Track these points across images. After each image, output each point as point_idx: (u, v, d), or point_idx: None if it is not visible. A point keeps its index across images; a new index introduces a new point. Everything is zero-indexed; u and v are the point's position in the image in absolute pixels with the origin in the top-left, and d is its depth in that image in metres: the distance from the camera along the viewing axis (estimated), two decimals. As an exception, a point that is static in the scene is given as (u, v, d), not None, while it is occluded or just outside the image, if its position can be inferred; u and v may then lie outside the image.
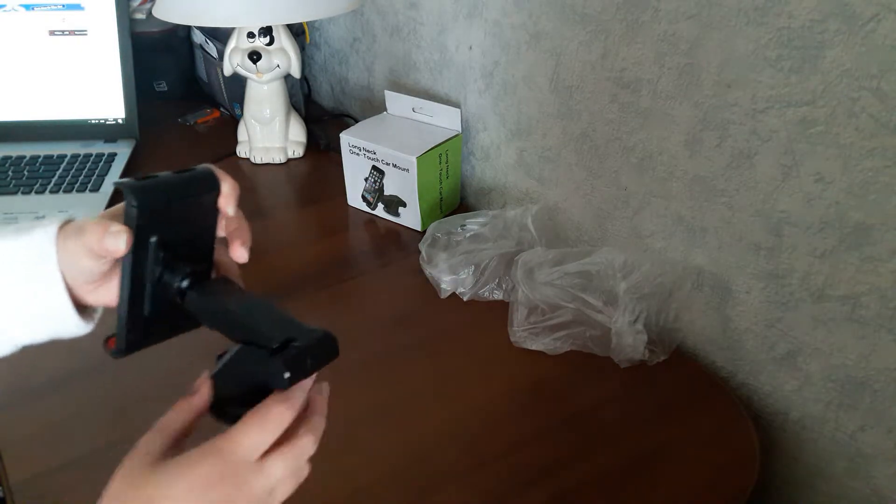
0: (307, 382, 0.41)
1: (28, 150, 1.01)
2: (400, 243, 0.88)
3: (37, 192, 0.93)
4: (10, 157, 0.99)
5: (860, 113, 0.52)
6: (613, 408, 0.64)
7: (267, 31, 0.97)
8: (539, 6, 0.76)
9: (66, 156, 1.00)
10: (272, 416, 0.39)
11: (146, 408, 0.63)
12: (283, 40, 0.99)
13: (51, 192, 0.93)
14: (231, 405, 0.42)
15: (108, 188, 0.94)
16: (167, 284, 0.44)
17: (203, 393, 0.43)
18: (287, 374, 0.39)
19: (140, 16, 1.17)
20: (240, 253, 0.47)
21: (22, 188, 0.94)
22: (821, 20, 0.52)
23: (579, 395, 0.65)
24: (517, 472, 0.57)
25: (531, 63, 0.80)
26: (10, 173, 0.97)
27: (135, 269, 0.43)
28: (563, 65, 0.76)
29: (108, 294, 0.45)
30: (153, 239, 0.43)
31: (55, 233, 0.43)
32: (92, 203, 0.91)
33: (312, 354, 0.40)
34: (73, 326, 0.46)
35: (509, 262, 0.74)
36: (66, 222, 0.44)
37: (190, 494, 0.37)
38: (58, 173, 0.96)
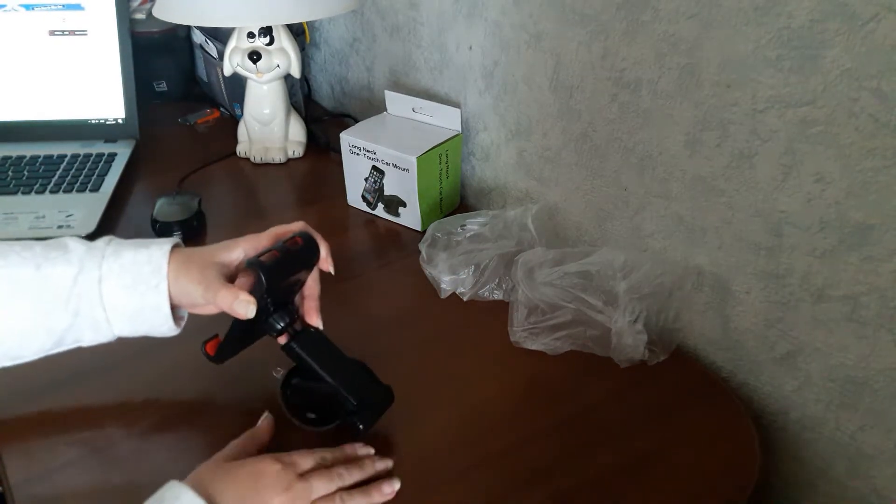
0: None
1: (28, 150, 1.01)
2: (400, 243, 0.88)
3: (37, 192, 0.93)
4: (10, 157, 0.99)
5: (860, 113, 0.52)
6: (613, 408, 0.64)
7: (267, 31, 0.97)
8: (539, 6, 0.76)
9: (66, 156, 1.00)
10: (318, 452, 0.55)
11: (146, 408, 0.64)
12: (283, 40, 0.99)
13: (51, 192, 0.93)
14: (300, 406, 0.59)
15: (107, 188, 0.94)
16: (270, 325, 0.58)
17: (265, 430, 0.58)
18: (361, 427, 0.57)
19: (140, 16, 1.17)
20: (317, 321, 0.62)
21: (22, 188, 0.94)
22: (821, 20, 0.52)
23: (579, 395, 0.65)
24: (517, 472, 0.57)
25: (531, 63, 0.80)
26: (10, 173, 0.96)
27: (251, 320, 0.55)
28: (563, 65, 0.76)
29: (204, 310, 0.58)
30: (269, 299, 0.56)
31: (168, 251, 0.56)
32: (92, 203, 0.91)
33: (379, 408, 0.59)
34: (166, 328, 0.57)
35: (509, 262, 0.74)
36: (177, 245, 0.57)
37: (251, 476, 0.51)
38: (58, 173, 0.96)
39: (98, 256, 0.54)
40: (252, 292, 0.55)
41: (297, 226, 0.61)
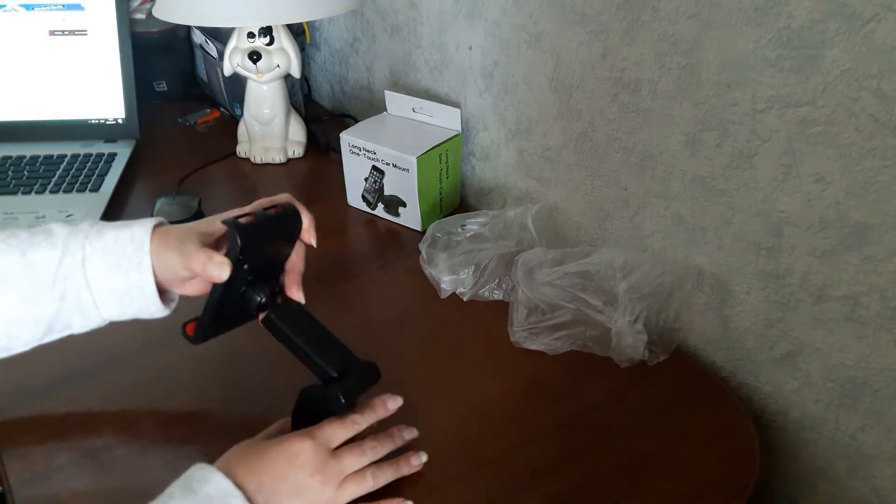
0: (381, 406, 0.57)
1: (28, 150, 1.01)
2: (400, 243, 0.88)
3: (37, 192, 0.93)
4: (10, 157, 0.99)
5: (860, 113, 0.52)
6: (613, 408, 0.64)
7: (267, 31, 0.97)
8: (539, 6, 0.76)
9: (66, 156, 1.00)
10: (347, 420, 0.54)
11: (145, 408, 0.63)
12: (283, 40, 0.99)
13: (51, 192, 0.93)
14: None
15: (107, 188, 0.94)
16: (249, 298, 0.56)
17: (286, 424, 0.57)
18: (343, 401, 0.53)
19: (140, 16, 1.17)
20: (298, 295, 0.59)
21: (22, 188, 0.94)
22: (821, 20, 0.52)
23: (579, 395, 0.65)
24: (517, 472, 0.57)
25: (531, 63, 0.80)
26: (10, 173, 0.96)
27: (226, 286, 0.53)
28: (563, 65, 0.76)
29: (191, 288, 0.57)
30: (245, 266, 0.54)
31: (150, 228, 0.54)
32: (92, 203, 0.91)
33: (361, 382, 0.55)
34: (154, 309, 0.56)
35: (509, 262, 0.74)
36: (160, 223, 0.56)
37: (281, 456, 0.50)
38: (58, 173, 0.96)
39: (81, 237, 0.54)
40: (227, 254, 0.53)
41: (282, 197, 0.60)
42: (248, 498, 0.47)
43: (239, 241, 0.52)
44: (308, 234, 0.59)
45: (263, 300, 0.56)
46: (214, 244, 0.56)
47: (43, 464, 0.57)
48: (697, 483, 0.57)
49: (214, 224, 0.57)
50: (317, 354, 0.55)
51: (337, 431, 0.53)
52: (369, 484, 0.53)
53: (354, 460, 0.52)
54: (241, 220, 0.53)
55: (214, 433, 0.58)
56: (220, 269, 0.52)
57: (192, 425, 0.61)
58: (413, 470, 0.55)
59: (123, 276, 0.53)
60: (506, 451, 0.59)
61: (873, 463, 0.59)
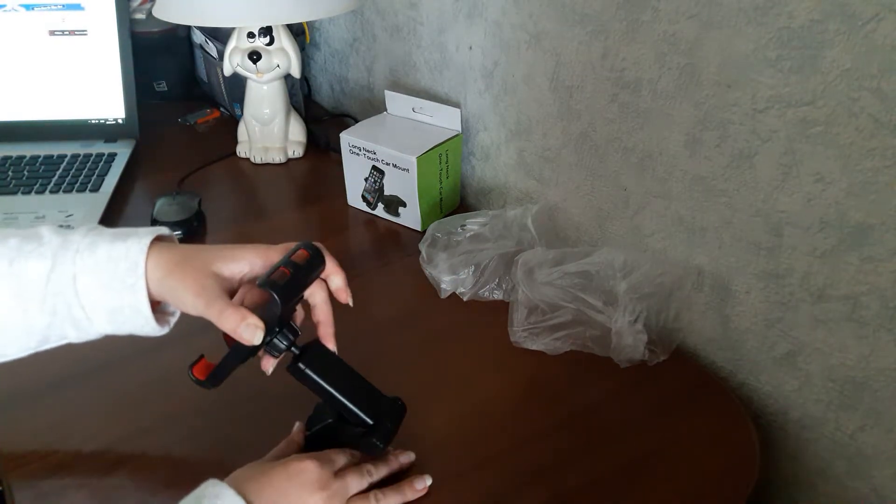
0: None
1: (28, 150, 1.01)
2: (400, 243, 0.88)
3: (37, 192, 0.93)
4: (10, 157, 0.99)
5: (860, 113, 0.52)
6: (613, 408, 0.64)
7: (267, 30, 0.97)
8: (539, 6, 0.76)
9: (66, 156, 1.00)
10: (350, 451, 0.56)
11: (144, 409, 0.63)
12: (283, 40, 0.99)
13: (51, 192, 0.93)
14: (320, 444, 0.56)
15: (107, 188, 0.94)
16: (273, 346, 0.53)
17: (298, 440, 0.58)
18: (381, 446, 0.54)
19: (140, 16, 1.17)
20: (332, 346, 0.57)
21: (22, 188, 0.94)
22: (821, 20, 0.52)
23: (579, 396, 0.65)
24: (517, 472, 0.57)
25: (531, 63, 0.80)
26: (10, 173, 0.96)
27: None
28: (563, 65, 0.76)
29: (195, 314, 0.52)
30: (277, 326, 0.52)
31: (146, 246, 0.50)
32: (92, 203, 0.91)
33: (393, 422, 0.56)
34: (150, 329, 0.52)
35: (509, 262, 0.74)
36: (159, 237, 0.52)
37: (284, 474, 0.51)
38: (58, 173, 0.96)
39: (72, 250, 0.50)
40: (262, 315, 0.49)
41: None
42: None
43: (280, 306, 0.49)
44: (343, 293, 0.56)
45: (286, 345, 0.53)
46: (236, 286, 0.53)
47: (43, 464, 0.57)
48: (697, 483, 0.57)
49: (238, 263, 0.52)
50: (351, 402, 0.54)
51: (341, 457, 0.54)
52: None
53: (357, 481, 0.53)
54: (276, 278, 0.50)
55: (213, 435, 0.58)
56: (254, 333, 0.48)
57: (192, 425, 0.61)
58: (417, 495, 0.55)
59: (116, 294, 0.49)
60: (506, 451, 0.59)
61: (873, 463, 0.59)
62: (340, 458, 0.54)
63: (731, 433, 0.62)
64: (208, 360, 0.51)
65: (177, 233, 0.86)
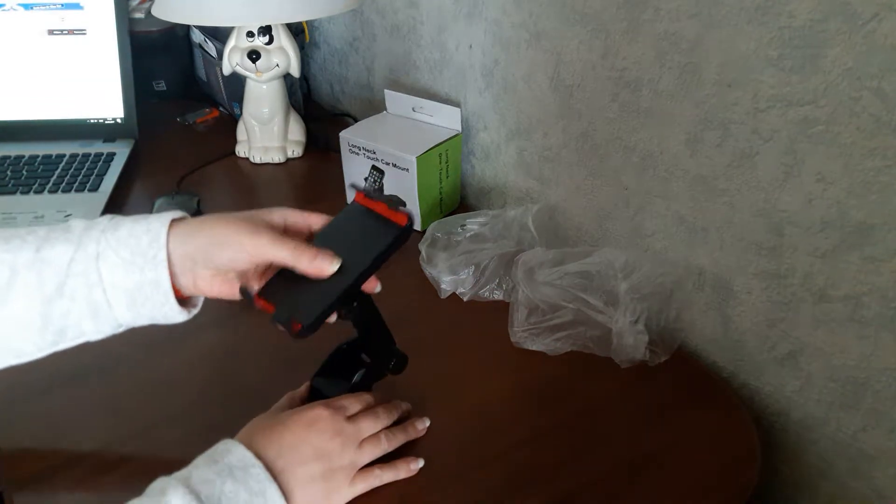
0: None
1: (27, 149, 1.01)
2: (400, 243, 0.88)
3: (36, 192, 0.93)
4: (10, 157, 0.99)
5: (861, 112, 0.52)
6: (614, 408, 0.64)
7: (266, 30, 0.97)
8: (539, 5, 0.76)
9: (64, 155, 1.00)
10: (362, 395, 0.58)
11: (145, 408, 0.63)
12: (283, 39, 0.98)
13: (49, 191, 0.93)
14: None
15: (106, 188, 0.94)
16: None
17: (300, 393, 0.60)
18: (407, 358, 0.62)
19: (139, 15, 1.17)
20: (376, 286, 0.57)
21: (21, 188, 0.94)
22: (822, 20, 0.52)
23: (579, 396, 0.65)
24: (517, 473, 0.57)
25: (531, 62, 0.80)
26: (9, 173, 0.96)
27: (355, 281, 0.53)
28: (563, 64, 0.76)
29: (222, 287, 0.52)
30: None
31: (169, 220, 0.51)
32: (91, 203, 0.91)
33: (398, 368, 0.61)
34: (169, 308, 0.51)
35: (509, 262, 0.74)
36: (183, 217, 0.52)
37: (300, 423, 0.53)
38: (57, 173, 0.96)
39: (97, 231, 0.50)
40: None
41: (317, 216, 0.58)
42: (269, 463, 0.49)
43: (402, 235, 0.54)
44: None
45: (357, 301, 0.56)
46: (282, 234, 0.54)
47: (43, 464, 0.57)
48: (698, 484, 0.57)
49: (275, 217, 0.54)
50: (377, 344, 0.60)
51: (352, 403, 0.56)
52: (384, 446, 0.56)
53: (371, 424, 0.55)
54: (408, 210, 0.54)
55: (214, 434, 0.58)
56: (332, 263, 0.51)
57: (192, 425, 0.61)
58: (419, 434, 0.59)
59: (138, 270, 0.49)
60: (506, 451, 0.59)
61: (875, 463, 0.59)
62: (354, 405, 0.56)
63: (732, 434, 0.62)
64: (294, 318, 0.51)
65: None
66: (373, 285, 0.55)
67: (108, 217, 0.53)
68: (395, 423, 0.59)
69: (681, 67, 0.63)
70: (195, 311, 0.55)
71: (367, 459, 0.54)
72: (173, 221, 0.51)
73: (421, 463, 0.57)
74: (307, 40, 1.23)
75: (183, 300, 0.53)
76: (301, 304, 0.51)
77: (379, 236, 0.53)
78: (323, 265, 0.51)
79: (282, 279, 0.53)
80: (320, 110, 1.29)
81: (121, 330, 0.52)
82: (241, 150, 1.08)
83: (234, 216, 0.52)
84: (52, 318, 0.50)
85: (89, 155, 1.00)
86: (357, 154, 0.89)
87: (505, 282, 0.75)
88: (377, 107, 1.02)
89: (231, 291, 0.53)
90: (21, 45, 1.03)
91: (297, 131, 1.08)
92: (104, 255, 0.49)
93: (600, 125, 0.74)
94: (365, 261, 0.53)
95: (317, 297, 0.51)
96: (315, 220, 0.56)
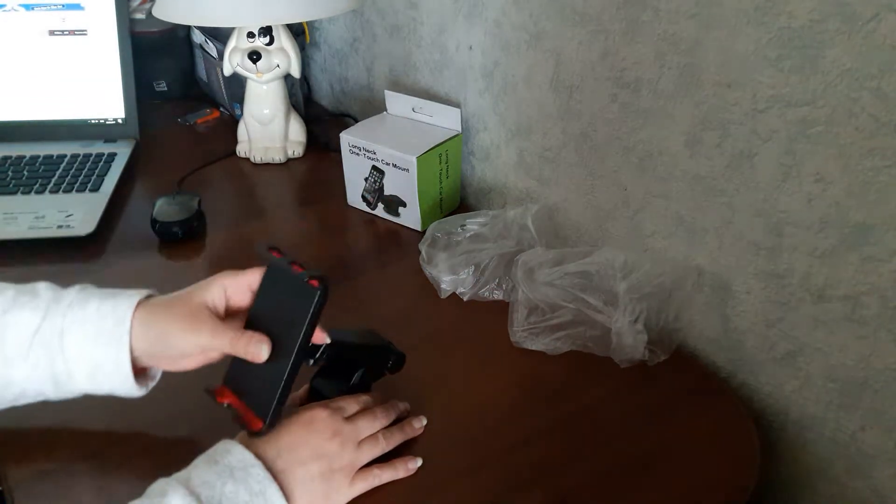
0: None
1: (28, 150, 1.01)
2: (400, 243, 0.88)
3: (36, 192, 0.93)
4: (10, 157, 0.99)
5: (860, 113, 0.52)
6: (613, 408, 0.64)
7: (267, 30, 0.97)
8: (539, 6, 0.76)
9: (65, 156, 1.00)
10: (360, 396, 0.58)
11: (145, 408, 0.63)
12: (283, 40, 0.99)
13: (50, 192, 0.93)
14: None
15: (107, 188, 0.94)
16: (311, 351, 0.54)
17: (301, 393, 0.60)
18: (404, 356, 0.63)
19: (140, 15, 1.17)
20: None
21: (22, 188, 0.94)
22: (821, 20, 0.52)
23: (579, 396, 0.65)
24: (517, 472, 0.57)
25: (531, 63, 0.80)
26: (9, 173, 0.96)
27: (297, 359, 0.51)
28: (563, 64, 0.76)
29: (188, 363, 0.55)
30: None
31: (135, 303, 0.53)
32: (91, 203, 0.91)
33: (396, 367, 0.62)
34: (128, 387, 0.54)
35: (509, 262, 0.74)
36: (149, 296, 0.54)
37: (298, 424, 0.53)
38: (57, 173, 0.96)
39: (64, 304, 0.53)
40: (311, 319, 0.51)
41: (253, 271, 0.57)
42: (268, 464, 0.50)
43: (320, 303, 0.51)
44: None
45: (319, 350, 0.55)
46: (222, 314, 0.55)
47: (43, 464, 0.57)
48: (697, 483, 0.57)
49: (212, 289, 0.54)
50: (379, 342, 0.61)
51: (351, 403, 0.57)
52: (382, 446, 0.56)
53: (369, 424, 0.56)
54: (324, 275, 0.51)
55: (214, 434, 0.58)
56: (260, 348, 0.51)
57: (193, 425, 0.61)
58: (416, 433, 0.59)
59: (101, 349, 0.52)
60: (506, 451, 0.59)
61: (874, 463, 0.59)
62: (352, 405, 0.57)
63: (731, 433, 0.62)
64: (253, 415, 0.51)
65: (176, 232, 0.86)
66: (321, 338, 0.54)
67: (77, 288, 0.55)
68: (394, 423, 0.59)
69: (680, 68, 0.63)
70: (153, 383, 0.57)
71: (365, 459, 0.55)
72: (139, 303, 0.53)
73: (419, 462, 0.57)
74: (308, 41, 1.23)
75: (142, 369, 0.55)
76: (256, 397, 0.52)
77: (302, 305, 0.51)
78: (258, 352, 0.51)
79: (239, 364, 0.54)
80: (321, 111, 1.29)
81: (80, 396, 0.55)
82: (241, 151, 1.08)
83: (178, 308, 0.53)
84: (13, 380, 0.52)
85: (90, 155, 1.01)
86: (357, 154, 0.89)
87: (505, 282, 0.75)
88: (377, 107, 1.02)
89: (196, 364, 0.55)
90: (22, 45, 1.03)
91: (297, 132, 1.08)
92: (69, 329, 0.52)
93: (600, 125, 0.74)
94: (296, 335, 0.51)
95: (267, 385, 0.51)
96: (253, 279, 0.55)
